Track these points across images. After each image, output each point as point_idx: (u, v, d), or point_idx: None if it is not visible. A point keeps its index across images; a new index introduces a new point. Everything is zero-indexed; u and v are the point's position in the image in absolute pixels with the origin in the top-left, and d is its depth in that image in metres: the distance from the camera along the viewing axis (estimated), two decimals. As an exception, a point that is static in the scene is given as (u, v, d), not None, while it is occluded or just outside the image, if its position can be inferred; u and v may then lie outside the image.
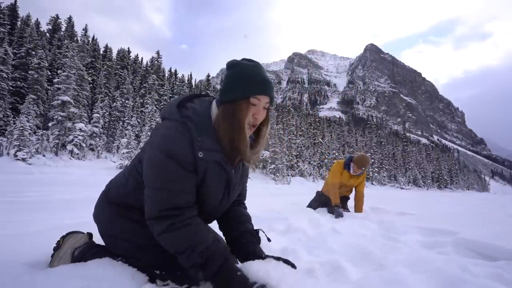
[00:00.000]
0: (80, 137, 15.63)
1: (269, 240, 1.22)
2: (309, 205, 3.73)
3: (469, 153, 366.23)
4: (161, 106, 24.66)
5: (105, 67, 24.44)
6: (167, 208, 0.91)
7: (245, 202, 1.29)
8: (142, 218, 0.99)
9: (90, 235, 1.17)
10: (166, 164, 0.91)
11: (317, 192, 3.82)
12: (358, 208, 3.58)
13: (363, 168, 3.44)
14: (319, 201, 3.69)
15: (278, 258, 1.05)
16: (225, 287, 0.88)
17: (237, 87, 0.96)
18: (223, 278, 0.88)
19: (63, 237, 1.15)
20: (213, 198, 1.04)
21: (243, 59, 1.02)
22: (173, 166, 0.91)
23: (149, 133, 12.48)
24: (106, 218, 1.08)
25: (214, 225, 1.24)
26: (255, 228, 1.18)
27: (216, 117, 0.99)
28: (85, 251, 1.08)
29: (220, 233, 1.23)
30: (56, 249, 1.12)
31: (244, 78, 0.96)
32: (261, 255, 1.07)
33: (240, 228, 1.14)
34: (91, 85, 21.56)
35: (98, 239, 1.15)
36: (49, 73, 19.24)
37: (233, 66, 1.00)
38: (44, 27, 27.05)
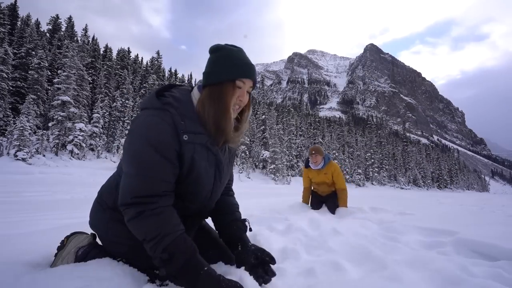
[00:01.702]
0: (80, 137, 15.63)
1: (250, 230, 1.24)
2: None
3: (469, 153, 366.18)
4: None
5: (105, 67, 24.44)
6: (140, 195, 0.89)
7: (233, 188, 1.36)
8: None
9: (94, 235, 1.17)
10: (144, 150, 0.90)
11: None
12: (341, 202, 3.44)
13: (317, 155, 3.47)
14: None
15: (259, 249, 1.11)
16: (190, 283, 0.86)
17: (223, 70, 0.98)
18: (188, 274, 0.86)
19: (68, 237, 1.15)
20: (206, 182, 1.04)
21: (227, 44, 1.04)
22: (151, 153, 0.90)
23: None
24: (103, 224, 1.07)
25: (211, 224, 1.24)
26: (243, 218, 1.25)
27: (201, 100, 1.00)
28: (88, 251, 1.08)
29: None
30: (60, 248, 1.12)
31: (230, 61, 0.99)
32: (248, 242, 1.14)
33: (230, 217, 1.20)
34: (91, 85, 21.56)
35: (100, 240, 1.15)
36: (49, 73, 19.24)
37: (218, 49, 1.02)
38: (44, 27, 27.08)
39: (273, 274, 1.06)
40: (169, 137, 0.92)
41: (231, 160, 1.20)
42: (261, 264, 1.06)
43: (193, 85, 1.13)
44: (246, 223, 1.22)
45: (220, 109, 0.97)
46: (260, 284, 1.00)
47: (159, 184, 0.92)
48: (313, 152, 3.51)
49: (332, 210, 3.41)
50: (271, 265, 1.07)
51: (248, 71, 1.01)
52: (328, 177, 3.51)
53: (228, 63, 0.99)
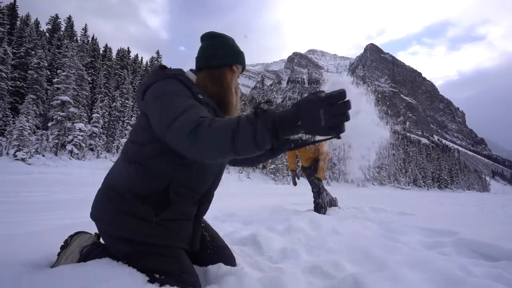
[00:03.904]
0: (80, 137, 15.63)
1: None
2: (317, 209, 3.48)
3: (470, 153, 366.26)
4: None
5: (104, 67, 24.43)
6: (194, 121, 0.78)
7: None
8: (146, 214, 0.97)
9: (98, 235, 1.15)
10: (174, 98, 0.88)
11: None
12: (318, 172, 3.43)
13: None
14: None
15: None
16: (297, 117, 0.71)
17: (222, 55, 1.08)
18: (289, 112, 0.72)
19: (71, 236, 1.14)
20: None
21: (220, 33, 1.13)
22: (182, 97, 0.89)
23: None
24: (108, 216, 1.01)
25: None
26: None
27: (201, 80, 1.07)
28: (91, 251, 1.07)
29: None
30: (63, 247, 1.11)
31: (228, 47, 1.10)
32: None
33: None
34: (90, 85, 21.55)
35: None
36: (48, 73, 19.24)
37: (213, 36, 1.12)
38: (43, 27, 27.07)
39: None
40: (188, 91, 0.94)
41: None
42: None
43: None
44: None
45: (223, 88, 1.07)
46: None
47: (204, 112, 0.86)
48: None
49: (311, 182, 3.46)
50: None
51: (242, 58, 1.13)
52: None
53: (226, 49, 1.09)
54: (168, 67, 1.06)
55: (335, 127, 0.68)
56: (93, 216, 1.07)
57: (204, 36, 1.13)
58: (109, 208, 1.01)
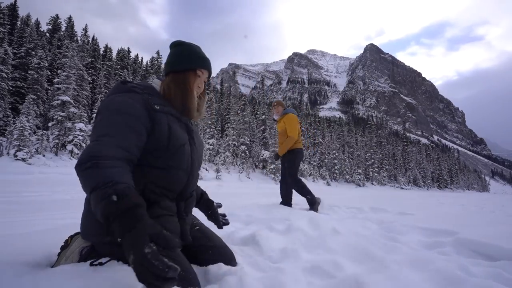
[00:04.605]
0: (80, 137, 15.62)
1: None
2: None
3: (469, 153, 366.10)
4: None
5: (105, 67, 24.42)
6: (97, 154, 0.85)
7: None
8: None
9: None
10: (110, 117, 0.96)
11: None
12: (279, 147, 3.64)
13: (278, 107, 3.77)
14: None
15: (219, 205, 1.54)
16: (128, 225, 0.73)
17: (186, 60, 1.19)
18: (130, 216, 0.74)
19: (72, 236, 1.14)
20: (185, 147, 1.11)
21: (186, 41, 1.25)
22: (115, 119, 0.95)
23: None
24: (98, 230, 1.00)
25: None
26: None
27: (166, 83, 1.16)
28: (91, 251, 1.07)
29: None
30: (63, 247, 1.11)
31: (192, 54, 1.21)
32: (214, 204, 1.50)
33: (199, 190, 1.46)
34: (91, 85, 21.54)
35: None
36: (49, 73, 19.22)
37: (180, 44, 1.23)
38: (44, 27, 27.07)
39: (227, 222, 1.54)
40: (137, 110, 0.99)
41: (198, 136, 1.31)
42: (222, 215, 1.55)
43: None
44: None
45: (185, 91, 1.15)
46: (221, 226, 1.49)
47: (117, 149, 0.90)
48: (275, 104, 3.84)
49: (286, 175, 3.60)
50: (226, 216, 1.59)
51: (207, 63, 1.24)
52: (282, 125, 3.68)
53: (190, 55, 1.20)
54: (133, 81, 1.15)
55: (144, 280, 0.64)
56: (83, 235, 1.08)
57: (172, 44, 1.25)
58: (98, 223, 0.97)
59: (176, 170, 1.10)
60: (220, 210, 1.56)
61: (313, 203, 3.47)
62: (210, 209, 1.48)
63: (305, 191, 3.52)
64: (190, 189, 1.18)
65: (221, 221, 1.49)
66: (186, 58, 1.19)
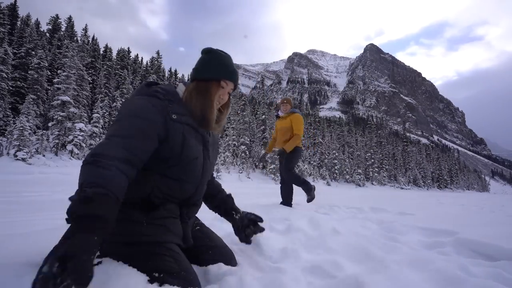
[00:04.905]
0: (80, 137, 15.62)
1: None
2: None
3: (469, 153, 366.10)
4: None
5: (105, 67, 24.42)
6: (102, 153, 0.87)
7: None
8: (137, 216, 1.02)
9: None
10: (127, 119, 0.98)
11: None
12: (287, 144, 3.62)
13: (287, 105, 3.84)
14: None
15: (249, 213, 1.49)
16: (74, 230, 0.81)
17: (212, 70, 1.16)
18: (88, 225, 0.81)
19: None
20: (198, 159, 1.12)
21: (218, 49, 1.22)
22: (134, 119, 0.97)
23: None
24: None
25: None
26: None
27: (189, 90, 1.14)
28: None
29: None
30: None
31: (219, 64, 1.17)
32: (240, 210, 1.48)
33: (222, 194, 1.46)
34: (91, 85, 21.54)
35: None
36: (49, 73, 19.23)
37: (210, 52, 1.20)
38: (44, 27, 27.06)
39: (261, 229, 1.50)
40: (154, 116, 1.00)
41: (215, 146, 1.29)
42: (252, 222, 1.47)
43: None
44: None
45: (206, 100, 1.12)
46: (251, 236, 1.44)
47: (122, 150, 0.91)
48: (285, 101, 3.92)
49: (282, 171, 3.69)
50: (259, 223, 1.50)
51: (232, 75, 1.19)
52: (287, 122, 3.75)
53: (216, 65, 1.16)
54: (159, 83, 1.15)
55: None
56: None
57: (203, 51, 1.21)
58: None
59: (186, 183, 1.11)
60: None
61: (309, 189, 3.64)
62: (232, 218, 1.45)
63: (301, 180, 3.66)
64: (196, 198, 1.19)
65: (244, 234, 1.43)
66: (212, 68, 1.16)
